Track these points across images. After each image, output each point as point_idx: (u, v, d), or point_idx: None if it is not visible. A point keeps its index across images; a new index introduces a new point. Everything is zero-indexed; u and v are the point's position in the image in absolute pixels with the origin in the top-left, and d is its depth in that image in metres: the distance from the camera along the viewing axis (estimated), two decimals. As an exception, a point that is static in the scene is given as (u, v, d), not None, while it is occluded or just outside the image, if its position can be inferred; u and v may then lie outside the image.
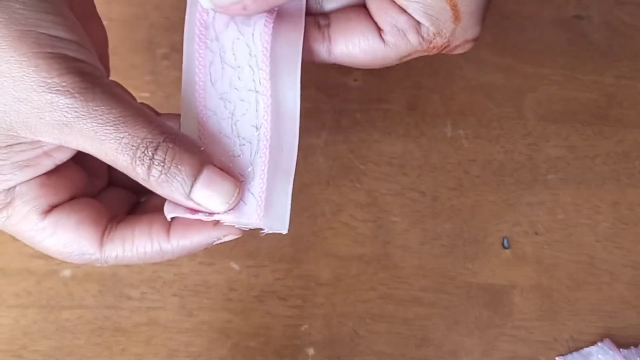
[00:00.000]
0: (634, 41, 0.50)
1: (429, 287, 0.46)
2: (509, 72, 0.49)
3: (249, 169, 0.31)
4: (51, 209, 0.30)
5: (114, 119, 0.28)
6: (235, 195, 0.30)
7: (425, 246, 0.46)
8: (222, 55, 0.32)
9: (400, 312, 0.45)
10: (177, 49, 0.47)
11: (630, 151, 0.48)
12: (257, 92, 0.32)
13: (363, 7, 0.33)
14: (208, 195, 0.29)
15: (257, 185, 0.31)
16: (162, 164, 0.28)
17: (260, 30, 0.32)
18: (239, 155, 0.31)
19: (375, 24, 0.32)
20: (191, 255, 0.45)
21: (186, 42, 0.32)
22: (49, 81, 0.27)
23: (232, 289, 0.45)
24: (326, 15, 0.34)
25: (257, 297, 0.45)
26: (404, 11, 0.31)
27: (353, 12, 0.33)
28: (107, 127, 0.28)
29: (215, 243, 0.31)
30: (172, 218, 0.31)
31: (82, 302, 0.44)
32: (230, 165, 0.31)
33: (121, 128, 0.28)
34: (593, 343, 0.45)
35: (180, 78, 0.45)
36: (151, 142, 0.28)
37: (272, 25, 0.32)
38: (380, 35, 0.32)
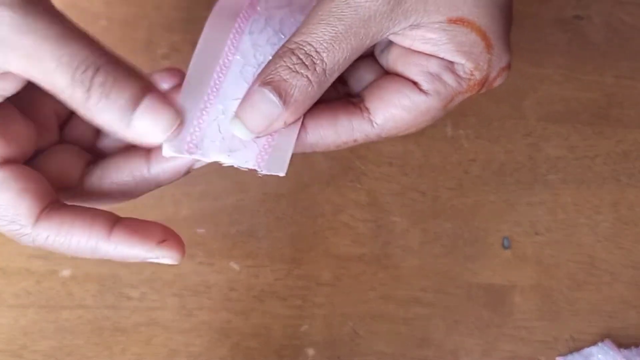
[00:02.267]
0: (634, 41, 0.50)
1: (429, 287, 0.46)
2: (509, 72, 0.49)
3: None
4: (2, 163, 0.29)
5: (54, 35, 0.26)
6: (177, 123, 0.28)
7: (425, 246, 0.46)
8: (268, 19, 0.32)
9: (401, 312, 0.45)
10: (177, 48, 0.47)
11: (631, 151, 0.48)
12: None
13: (391, 73, 0.32)
14: (147, 122, 0.28)
15: (264, 137, 0.30)
16: (102, 87, 0.27)
17: None
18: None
19: (409, 80, 0.31)
20: (190, 255, 0.45)
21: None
22: None
23: (232, 289, 0.45)
24: (355, 94, 0.33)
25: (257, 297, 0.45)
26: (432, 56, 0.30)
27: (384, 80, 0.32)
28: (47, 44, 0.26)
29: (152, 260, 0.30)
30: (118, 219, 0.30)
31: (82, 302, 0.44)
32: None
33: (61, 45, 0.26)
34: (593, 343, 0.45)
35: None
36: (93, 63, 0.27)
37: None
38: (419, 88, 0.31)
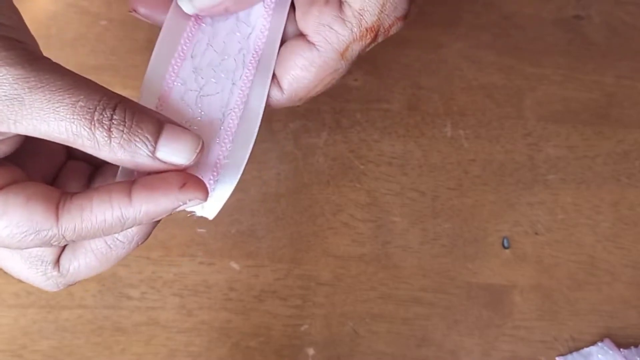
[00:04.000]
0: (634, 41, 0.50)
1: (429, 287, 0.46)
2: (509, 72, 0.49)
3: (205, 147, 0.31)
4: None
5: (67, 86, 0.27)
6: (200, 145, 0.29)
7: (425, 246, 0.46)
8: (211, 39, 0.33)
9: (400, 312, 0.45)
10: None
11: (631, 151, 0.48)
12: (233, 83, 0.32)
13: (301, 35, 0.33)
14: (173, 150, 0.28)
15: (209, 171, 0.31)
16: (122, 124, 0.27)
17: (257, 35, 0.33)
18: (195, 128, 0.31)
19: (304, 38, 0.32)
20: (190, 255, 0.45)
21: (173, 18, 0.33)
22: None
23: (232, 288, 0.45)
24: None
25: (257, 297, 0.45)
26: (325, 8, 0.31)
27: (283, 47, 0.33)
28: (61, 94, 0.26)
29: (180, 208, 0.30)
30: (133, 182, 0.30)
31: (82, 302, 0.44)
32: None
33: (75, 92, 0.27)
34: (593, 343, 0.45)
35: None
36: (108, 103, 0.27)
37: (267, 33, 0.33)
38: (310, 43, 0.31)
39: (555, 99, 0.49)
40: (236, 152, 0.32)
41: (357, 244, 0.46)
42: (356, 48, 0.32)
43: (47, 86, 0.26)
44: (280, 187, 0.46)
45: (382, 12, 0.31)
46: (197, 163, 0.30)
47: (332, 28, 0.31)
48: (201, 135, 0.29)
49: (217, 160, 0.31)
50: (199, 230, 0.45)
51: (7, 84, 0.26)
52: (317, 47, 0.31)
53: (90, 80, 0.28)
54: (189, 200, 0.29)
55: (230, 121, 0.32)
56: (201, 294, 0.45)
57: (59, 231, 0.28)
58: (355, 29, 0.31)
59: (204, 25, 0.33)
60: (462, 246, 0.46)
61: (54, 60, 0.28)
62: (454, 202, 0.47)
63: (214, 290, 0.45)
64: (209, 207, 0.31)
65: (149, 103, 0.31)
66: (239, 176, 0.32)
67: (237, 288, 0.45)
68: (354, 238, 0.46)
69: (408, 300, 0.45)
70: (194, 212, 0.31)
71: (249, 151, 0.32)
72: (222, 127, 0.32)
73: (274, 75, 0.32)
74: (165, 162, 0.28)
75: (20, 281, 0.44)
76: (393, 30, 0.32)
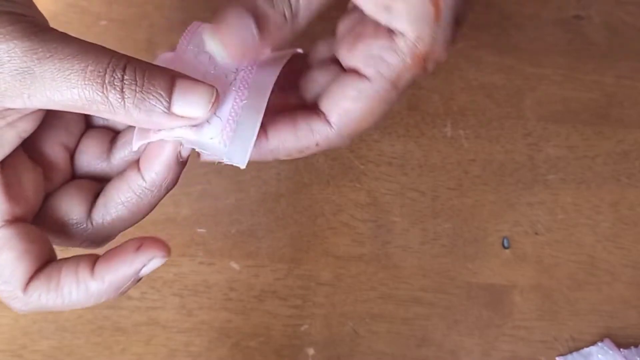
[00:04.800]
0: (634, 41, 0.50)
1: (429, 287, 0.46)
2: (509, 72, 0.49)
3: (221, 94, 0.30)
4: (10, 221, 0.29)
5: (74, 52, 0.26)
6: (215, 95, 0.28)
7: (425, 246, 0.46)
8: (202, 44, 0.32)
9: (400, 312, 0.45)
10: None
11: (631, 151, 0.48)
12: None
13: (339, 68, 0.32)
14: (188, 102, 0.28)
15: (227, 111, 0.30)
16: (134, 83, 0.27)
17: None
18: (211, 80, 0.30)
19: (352, 70, 0.31)
20: (190, 255, 0.45)
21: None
22: (2, 31, 0.26)
23: (232, 288, 0.45)
24: (312, 101, 0.33)
25: (257, 297, 0.45)
26: (374, 39, 0.30)
27: (331, 81, 0.31)
28: (69, 61, 0.26)
29: (142, 274, 0.30)
30: (97, 258, 0.30)
31: (82, 302, 0.44)
32: None
33: (84, 58, 0.26)
34: (593, 343, 0.45)
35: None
36: (117, 64, 0.27)
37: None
38: (361, 74, 0.30)
39: (555, 99, 0.49)
40: (254, 96, 0.30)
41: (357, 244, 0.46)
42: (408, 77, 0.31)
43: (56, 55, 0.26)
44: (280, 187, 0.46)
45: (434, 39, 0.30)
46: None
47: (383, 59, 0.30)
48: (215, 85, 0.29)
49: (235, 103, 0.30)
50: (199, 230, 0.45)
51: (16, 58, 0.26)
52: (369, 78, 0.30)
53: (97, 44, 0.28)
54: (149, 260, 0.30)
55: (246, 72, 0.31)
56: (201, 294, 0.45)
57: (24, 297, 0.29)
58: (408, 59, 0.30)
59: (196, 35, 0.32)
60: (462, 246, 0.46)
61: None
62: (454, 202, 0.47)
63: (214, 290, 0.45)
64: (235, 154, 0.30)
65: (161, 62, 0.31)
66: (260, 117, 0.30)
67: (237, 288, 0.45)
68: (354, 238, 0.46)
69: (408, 300, 0.45)
70: (222, 160, 0.30)
71: (267, 96, 0.30)
72: (237, 77, 0.31)
73: (321, 112, 0.31)
74: (182, 117, 0.28)
75: (20, 281, 0.44)
76: (443, 57, 0.31)
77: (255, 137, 0.30)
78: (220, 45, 0.29)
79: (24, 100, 0.27)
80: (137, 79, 0.27)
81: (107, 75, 0.27)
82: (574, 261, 0.47)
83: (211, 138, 0.29)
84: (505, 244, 0.46)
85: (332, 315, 0.45)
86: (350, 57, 0.31)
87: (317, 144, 0.31)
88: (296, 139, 0.31)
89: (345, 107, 0.30)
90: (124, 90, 0.27)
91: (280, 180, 0.46)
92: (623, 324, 0.46)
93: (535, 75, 0.49)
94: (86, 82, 0.26)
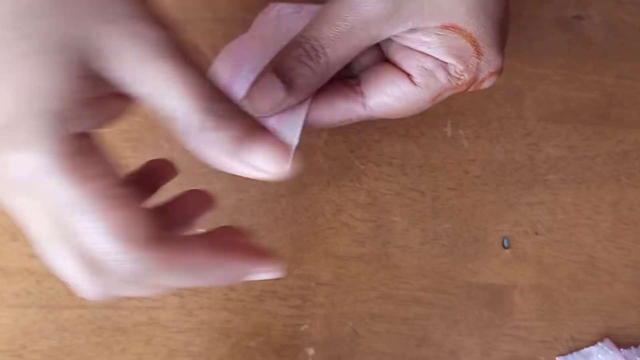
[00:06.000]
0: (635, 41, 0.50)
1: (429, 287, 0.46)
2: (509, 72, 0.49)
3: None
4: None
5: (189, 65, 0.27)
6: (291, 156, 0.29)
7: (425, 246, 0.46)
8: (277, 24, 0.36)
9: (400, 312, 0.45)
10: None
11: (631, 151, 0.48)
12: None
13: (388, 62, 0.34)
14: (265, 156, 0.28)
15: (269, 125, 0.33)
16: (220, 117, 0.26)
17: None
18: None
19: (403, 71, 0.34)
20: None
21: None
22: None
23: (232, 288, 0.45)
24: (354, 76, 0.35)
25: (257, 297, 0.45)
26: (429, 55, 0.33)
27: (380, 67, 0.34)
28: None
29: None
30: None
31: (82, 302, 0.44)
32: None
33: (194, 78, 0.26)
34: (593, 343, 0.45)
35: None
36: (216, 92, 0.26)
37: None
38: (411, 80, 0.34)
39: (555, 99, 0.49)
40: (295, 109, 0.34)
41: (357, 244, 0.46)
42: (447, 95, 0.35)
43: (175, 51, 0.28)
44: (280, 187, 0.46)
45: (478, 69, 0.34)
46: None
47: (434, 75, 0.33)
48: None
49: (278, 116, 0.33)
50: (199, 230, 0.45)
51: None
52: (417, 85, 0.34)
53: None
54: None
55: None
56: (201, 293, 0.45)
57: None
58: (454, 82, 0.34)
59: (270, 16, 0.36)
60: (462, 246, 0.46)
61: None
62: (454, 202, 0.47)
63: (214, 290, 0.45)
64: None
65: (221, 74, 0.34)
66: (302, 120, 0.33)
67: (237, 288, 0.45)
68: (354, 238, 0.46)
69: (408, 300, 0.45)
70: None
71: (307, 107, 0.34)
72: None
73: (360, 92, 0.34)
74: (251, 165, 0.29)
75: (20, 281, 0.44)
76: (486, 84, 0.36)
77: (296, 143, 0.33)
78: (249, 105, 0.32)
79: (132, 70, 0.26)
80: (225, 114, 0.26)
81: (205, 100, 0.27)
82: (574, 261, 0.47)
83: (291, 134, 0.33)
84: (505, 244, 0.46)
85: (332, 315, 0.45)
86: (404, 61, 0.34)
87: (349, 119, 0.35)
88: (332, 114, 0.34)
89: (386, 101, 0.34)
90: (206, 120, 0.27)
91: (280, 180, 0.46)
92: (623, 324, 0.46)
93: (535, 75, 0.49)
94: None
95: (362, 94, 0.34)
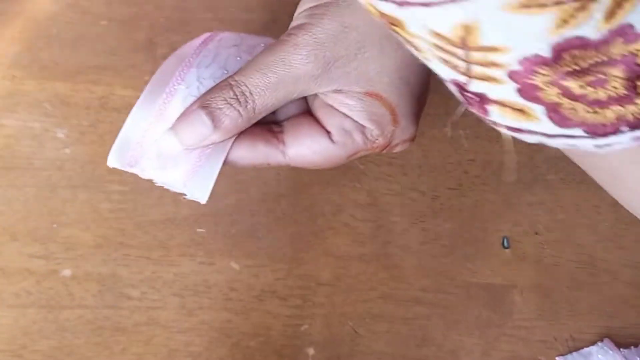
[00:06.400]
0: (634, 41, 0.50)
1: (429, 287, 0.46)
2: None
3: None
4: None
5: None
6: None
7: (425, 246, 0.46)
8: (215, 57, 0.37)
9: (400, 312, 0.45)
10: (177, 49, 0.47)
11: (630, 151, 0.48)
12: None
13: (311, 115, 0.36)
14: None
15: (193, 157, 0.35)
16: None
17: None
18: None
19: (323, 127, 0.36)
20: (191, 255, 0.45)
21: (191, 42, 0.38)
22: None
23: (232, 288, 0.45)
24: (278, 123, 0.37)
25: (257, 297, 0.45)
26: (349, 116, 0.35)
27: (303, 119, 0.36)
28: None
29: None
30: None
31: (82, 302, 0.44)
32: None
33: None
34: (593, 343, 0.45)
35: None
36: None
37: None
38: (329, 137, 0.35)
39: (555, 99, 0.49)
40: (218, 145, 0.35)
41: (357, 244, 0.46)
42: (362, 154, 0.37)
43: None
44: (280, 187, 0.46)
45: (392, 136, 0.36)
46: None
47: (351, 136, 0.35)
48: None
49: (201, 151, 0.35)
50: (199, 230, 0.45)
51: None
52: (335, 143, 0.36)
53: None
54: None
55: None
56: (201, 294, 0.45)
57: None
58: (369, 144, 0.36)
59: (210, 46, 0.37)
60: (462, 246, 0.46)
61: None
62: (454, 202, 0.47)
63: (214, 290, 0.45)
64: (195, 191, 0.35)
65: (155, 99, 0.35)
66: (221, 160, 0.35)
67: (237, 288, 0.45)
68: (354, 238, 0.46)
69: (408, 300, 0.45)
70: (184, 194, 0.35)
71: (229, 145, 0.35)
72: None
73: (281, 140, 0.36)
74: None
75: (20, 281, 0.44)
76: (398, 149, 0.38)
77: (214, 180, 0.35)
78: (175, 137, 0.34)
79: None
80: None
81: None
82: (574, 261, 0.47)
83: (175, 180, 0.35)
84: (505, 244, 0.46)
85: (332, 315, 0.45)
86: (325, 118, 0.35)
87: (268, 164, 0.36)
88: (253, 157, 0.36)
89: (305, 153, 0.36)
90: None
91: (280, 180, 0.46)
92: (623, 324, 0.46)
93: (535, 75, 0.49)
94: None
95: (283, 142, 0.36)
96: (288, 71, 0.34)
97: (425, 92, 0.37)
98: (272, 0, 0.47)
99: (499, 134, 0.48)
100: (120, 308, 0.44)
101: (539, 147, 0.48)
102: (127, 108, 0.45)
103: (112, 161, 0.35)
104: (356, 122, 0.35)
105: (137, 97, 0.36)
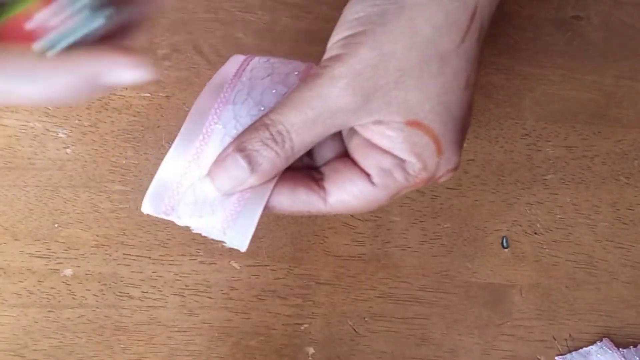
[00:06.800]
0: (633, 41, 0.50)
1: (428, 287, 0.46)
2: (508, 73, 0.49)
3: None
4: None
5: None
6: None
7: (424, 245, 0.46)
8: (250, 91, 0.35)
9: (400, 312, 0.45)
10: (177, 49, 0.47)
11: (629, 151, 0.48)
12: None
13: (349, 158, 0.35)
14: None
15: (232, 203, 0.33)
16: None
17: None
18: None
19: (362, 170, 0.34)
20: (191, 254, 0.45)
21: (221, 70, 0.36)
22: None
23: (232, 288, 0.45)
24: (318, 169, 0.35)
25: (258, 297, 0.45)
26: (387, 152, 0.33)
27: (342, 164, 0.35)
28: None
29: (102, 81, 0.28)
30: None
31: (83, 302, 0.44)
32: None
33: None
34: (592, 342, 0.45)
35: (180, 78, 0.45)
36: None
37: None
38: (369, 180, 0.34)
39: (554, 99, 0.49)
40: (259, 189, 0.34)
41: (356, 244, 0.46)
42: (405, 192, 0.35)
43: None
44: (281, 187, 0.46)
45: (437, 168, 0.34)
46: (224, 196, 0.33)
47: (391, 174, 0.33)
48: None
49: (240, 196, 0.33)
50: (200, 230, 0.45)
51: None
52: (376, 185, 0.34)
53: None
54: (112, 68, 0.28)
55: None
56: (202, 293, 0.45)
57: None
58: (412, 180, 0.34)
59: (244, 79, 0.35)
60: (462, 246, 0.46)
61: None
62: (454, 202, 0.47)
63: (214, 289, 0.45)
64: (235, 240, 0.33)
65: (192, 139, 0.33)
66: (262, 207, 0.33)
67: (238, 287, 0.45)
68: (353, 237, 0.46)
69: (407, 300, 0.45)
70: (224, 242, 0.33)
71: (270, 190, 0.34)
72: None
73: (322, 187, 0.34)
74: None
75: (21, 281, 0.44)
76: (442, 180, 0.35)
77: (254, 227, 0.33)
78: (212, 183, 0.33)
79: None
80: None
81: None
82: (573, 261, 0.47)
83: (213, 226, 0.33)
84: (505, 244, 0.47)
85: (332, 315, 0.45)
86: (363, 159, 0.34)
87: (308, 212, 0.34)
88: (293, 204, 0.34)
89: (345, 198, 0.34)
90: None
91: (280, 180, 0.46)
92: (622, 324, 0.46)
93: (534, 76, 0.49)
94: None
95: (324, 189, 0.34)
96: (326, 106, 0.32)
97: (468, 117, 0.35)
98: (272, 0, 0.48)
99: (498, 133, 0.48)
100: (121, 307, 0.44)
101: (538, 147, 0.48)
102: (127, 108, 0.46)
103: (148, 208, 0.33)
104: (396, 157, 0.33)
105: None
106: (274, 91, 0.35)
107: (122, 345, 0.44)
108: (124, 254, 0.45)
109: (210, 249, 0.45)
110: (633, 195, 0.48)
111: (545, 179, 0.48)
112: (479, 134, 0.48)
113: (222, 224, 0.33)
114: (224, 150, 0.33)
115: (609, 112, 0.49)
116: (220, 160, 0.33)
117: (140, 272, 0.45)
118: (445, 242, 0.46)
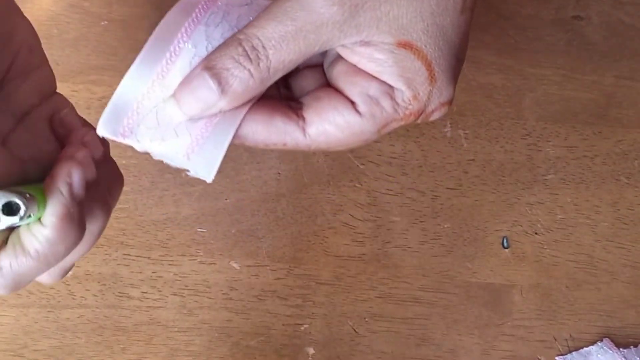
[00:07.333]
0: (633, 41, 0.50)
1: (428, 287, 0.46)
2: (509, 72, 0.49)
3: None
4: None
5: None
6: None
7: (424, 246, 0.46)
8: (226, 15, 0.32)
9: (400, 312, 0.45)
10: (177, 49, 0.47)
11: (630, 151, 0.48)
12: None
13: (332, 87, 0.32)
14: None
15: (198, 127, 0.30)
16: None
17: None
18: None
19: (347, 98, 0.30)
20: (191, 254, 0.45)
21: None
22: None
23: (232, 288, 0.45)
24: (297, 100, 0.32)
25: (257, 297, 0.45)
26: (374, 78, 0.30)
27: (322, 92, 0.31)
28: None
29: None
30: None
31: (83, 302, 0.44)
32: None
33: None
34: (592, 342, 0.45)
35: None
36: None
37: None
38: (354, 108, 0.30)
39: (554, 99, 0.49)
40: (228, 114, 0.30)
41: (357, 244, 0.46)
42: (395, 126, 0.31)
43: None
44: (280, 187, 0.46)
45: (429, 98, 0.31)
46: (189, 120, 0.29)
47: (379, 103, 0.30)
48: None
49: (207, 121, 0.30)
50: (199, 230, 0.45)
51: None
52: (362, 114, 0.30)
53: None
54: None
55: None
56: (202, 293, 0.45)
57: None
58: (401, 111, 0.31)
59: (219, 3, 0.32)
60: (462, 246, 0.46)
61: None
62: (454, 202, 0.47)
63: (214, 289, 0.45)
64: (200, 168, 0.30)
65: (157, 58, 0.30)
66: (232, 133, 0.30)
67: (238, 287, 0.45)
68: (353, 238, 0.46)
69: (408, 300, 0.45)
70: (187, 170, 0.30)
71: (242, 115, 0.30)
72: None
73: (301, 116, 0.31)
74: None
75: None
76: (435, 115, 0.32)
77: (223, 156, 0.29)
78: (177, 105, 0.29)
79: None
80: None
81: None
82: (573, 261, 0.47)
83: (176, 152, 0.29)
84: (505, 244, 0.47)
85: (332, 315, 0.45)
86: (347, 86, 0.30)
87: (284, 144, 0.31)
88: (268, 133, 0.30)
89: (328, 129, 0.30)
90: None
91: (280, 180, 0.46)
92: (622, 324, 0.46)
93: (534, 76, 0.49)
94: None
95: (303, 118, 0.31)
96: (309, 17, 0.28)
97: (464, 45, 0.31)
98: (272, 1, 0.48)
99: (499, 133, 0.48)
100: (121, 307, 0.44)
101: (538, 147, 0.48)
102: (127, 108, 0.45)
103: (102, 130, 0.29)
104: (384, 83, 0.30)
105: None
106: (250, 18, 0.31)
107: (121, 346, 0.44)
108: (123, 254, 0.45)
109: (210, 249, 0.45)
110: (633, 196, 0.48)
111: (546, 179, 0.48)
112: (479, 134, 0.48)
113: (186, 148, 0.29)
114: (193, 69, 0.29)
115: (609, 112, 0.49)
116: (187, 80, 0.29)
117: (140, 273, 0.45)
118: (446, 242, 0.46)
